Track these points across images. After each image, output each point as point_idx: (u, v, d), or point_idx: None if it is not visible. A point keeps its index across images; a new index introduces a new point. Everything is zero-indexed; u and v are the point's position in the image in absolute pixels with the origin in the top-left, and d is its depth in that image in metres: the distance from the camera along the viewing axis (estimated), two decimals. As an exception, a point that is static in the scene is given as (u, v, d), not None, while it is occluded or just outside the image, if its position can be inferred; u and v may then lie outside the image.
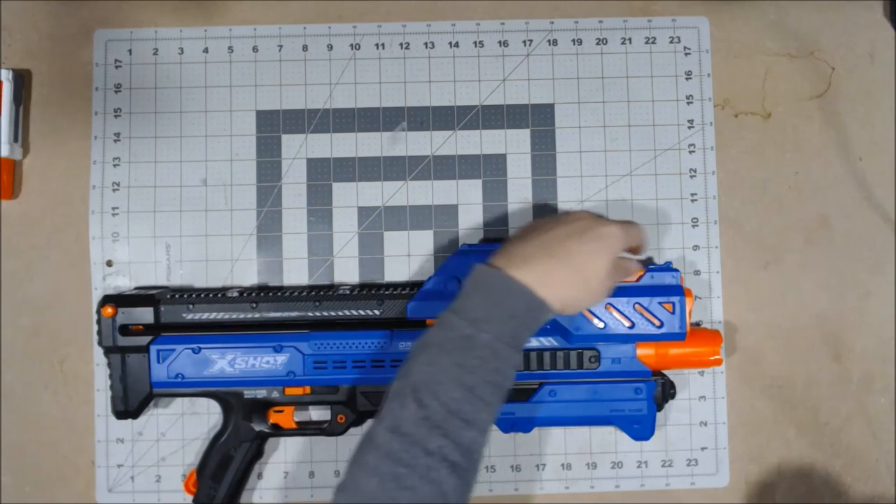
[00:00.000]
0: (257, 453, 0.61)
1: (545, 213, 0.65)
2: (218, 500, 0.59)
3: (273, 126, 0.65)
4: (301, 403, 0.60)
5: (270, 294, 0.60)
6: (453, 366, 0.48)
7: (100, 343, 0.59)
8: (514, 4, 0.66)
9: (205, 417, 0.64)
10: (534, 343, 0.59)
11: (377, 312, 0.59)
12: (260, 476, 0.64)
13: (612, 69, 0.65)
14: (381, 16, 0.65)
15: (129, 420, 0.63)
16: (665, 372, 0.61)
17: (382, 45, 0.65)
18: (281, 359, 0.59)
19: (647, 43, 0.66)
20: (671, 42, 0.66)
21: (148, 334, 0.59)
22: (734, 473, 0.64)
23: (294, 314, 0.59)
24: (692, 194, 0.65)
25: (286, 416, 0.61)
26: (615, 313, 0.58)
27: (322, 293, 0.60)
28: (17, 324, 0.64)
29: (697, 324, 0.64)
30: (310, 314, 0.59)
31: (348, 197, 0.65)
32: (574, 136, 0.65)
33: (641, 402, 0.59)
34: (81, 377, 0.64)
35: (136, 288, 0.64)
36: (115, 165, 0.64)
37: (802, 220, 0.65)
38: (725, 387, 0.64)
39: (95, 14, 0.65)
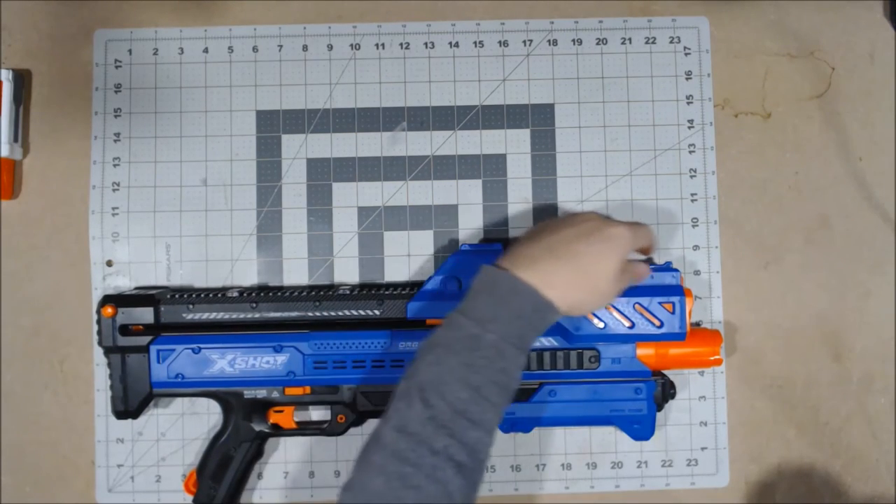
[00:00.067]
0: (257, 453, 0.61)
1: (546, 213, 0.65)
2: (218, 500, 0.59)
3: (273, 126, 0.65)
4: (301, 403, 0.61)
5: (270, 294, 0.60)
6: (460, 366, 0.48)
7: (100, 343, 0.59)
8: (514, 4, 0.66)
9: (205, 417, 0.64)
10: (534, 343, 0.59)
11: (377, 312, 0.59)
12: (260, 476, 0.64)
13: (612, 69, 0.65)
14: (381, 16, 0.65)
15: (129, 420, 0.63)
16: (665, 372, 0.61)
17: (382, 45, 0.65)
18: (281, 359, 0.59)
19: (647, 43, 0.66)
20: (671, 42, 0.66)
21: (148, 334, 0.59)
22: (734, 473, 0.64)
23: (294, 314, 0.59)
24: (692, 194, 0.65)
25: (286, 416, 0.61)
26: (615, 313, 0.58)
27: (322, 293, 0.60)
28: (17, 324, 0.64)
29: (697, 324, 0.64)
30: (310, 314, 0.59)
31: (348, 197, 0.65)
32: (574, 136, 0.65)
33: (641, 402, 0.59)
34: (81, 377, 0.64)
35: (136, 288, 0.64)
36: (115, 165, 0.64)
37: (802, 220, 0.65)
38: (725, 387, 0.64)
39: (95, 14, 0.65)
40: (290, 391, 0.59)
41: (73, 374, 0.64)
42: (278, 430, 0.61)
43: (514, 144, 0.65)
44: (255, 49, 0.65)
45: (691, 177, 0.65)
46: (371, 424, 0.63)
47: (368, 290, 0.60)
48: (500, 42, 0.65)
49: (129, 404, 0.59)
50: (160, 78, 0.65)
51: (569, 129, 0.65)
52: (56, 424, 0.64)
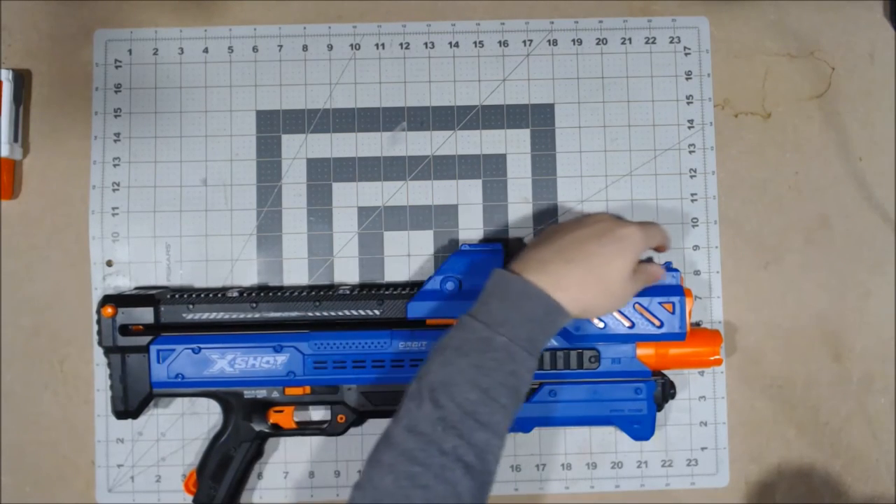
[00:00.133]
0: (257, 453, 0.61)
1: (546, 213, 0.65)
2: (218, 500, 0.59)
3: (273, 126, 0.65)
4: (301, 403, 0.61)
5: (270, 294, 0.60)
6: (469, 367, 0.48)
7: (100, 343, 0.59)
8: (514, 4, 0.66)
9: (205, 417, 0.64)
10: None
11: (377, 312, 0.59)
12: (260, 476, 0.64)
13: (612, 69, 0.65)
14: (381, 16, 0.65)
15: (129, 420, 0.63)
16: (665, 372, 0.61)
17: (382, 45, 0.65)
18: (281, 359, 0.59)
19: (647, 43, 0.66)
20: (671, 42, 0.66)
21: (148, 334, 0.59)
22: (734, 473, 0.64)
23: (294, 314, 0.59)
24: (692, 194, 0.65)
25: (286, 416, 0.61)
26: (615, 313, 0.58)
27: (322, 293, 0.60)
28: (17, 324, 0.64)
29: (697, 324, 0.64)
30: (310, 314, 0.59)
31: (348, 197, 0.65)
32: (574, 136, 0.65)
33: (641, 402, 0.59)
34: (81, 377, 0.64)
35: (136, 288, 0.64)
36: (115, 165, 0.64)
37: (802, 220, 0.65)
38: (725, 387, 0.64)
39: (95, 14, 0.65)
40: (290, 391, 0.59)
41: (73, 374, 0.64)
42: (278, 430, 0.61)
43: (514, 144, 0.65)
44: (255, 49, 0.65)
45: (691, 177, 0.65)
46: (371, 424, 0.63)
47: (368, 290, 0.60)
48: (500, 42, 0.65)
49: (129, 404, 0.59)
50: (160, 78, 0.65)
51: (569, 129, 0.65)
52: (56, 424, 0.64)
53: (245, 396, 0.59)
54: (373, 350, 0.58)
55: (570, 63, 0.65)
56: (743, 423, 0.64)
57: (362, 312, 0.59)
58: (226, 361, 0.59)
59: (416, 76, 0.65)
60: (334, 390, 0.60)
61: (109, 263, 0.64)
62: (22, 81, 0.64)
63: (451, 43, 0.65)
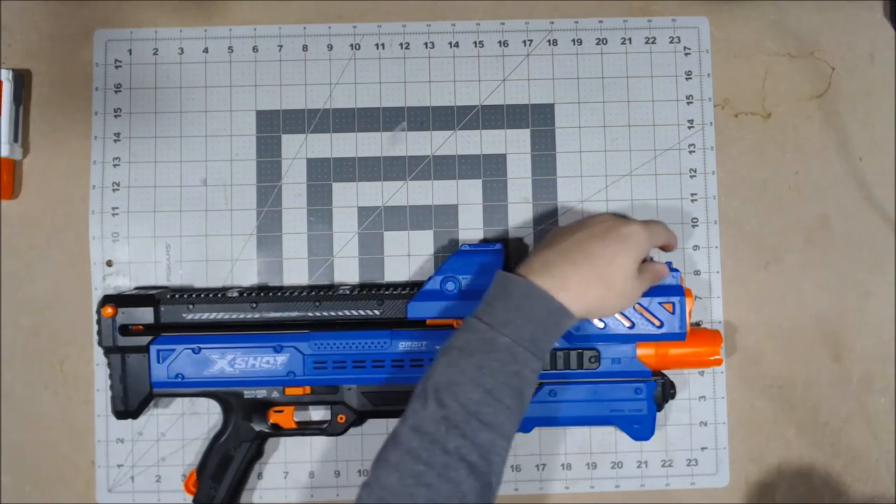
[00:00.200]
0: (257, 453, 0.61)
1: (546, 213, 0.65)
2: (218, 500, 0.59)
3: (273, 126, 0.65)
4: (301, 403, 0.61)
5: (270, 294, 0.60)
6: (473, 368, 0.49)
7: (100, 343, 0.59)
8: (514, 4, 0.66)
9: (205, 417, 0.64)
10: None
11: (377, 312, 0.59)
12: (260, 476, 0.64)
13: (612, 69, 0.65)
14: (381, 16, 0.65)
15: (129, 420, 0.63)
16: (665, 372, 0.61)
17: (382, 45, 0.65)
18: (281, 359, 0.59)
19: (647, 43, 0.66)
20: (671, 42, 0.66)
21: (148, 334, 0.59)
22: (734, 473, 0.64)
23: (294, 314, 0.59)
24: (692, 194, 0.65)
25: (286, 416, 0.61)
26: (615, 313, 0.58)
27: (322, 293, 0.60)
28: (17, 324, 0.64)
29: (697, 324, 0.64)
30: (310, 314, 0.59)
31: (348, 197, 0.65)
32: (574, 136, 0.65)
33: (641, 402, 0.59)
34: (81, 377, 0.64)
35: (136, 288, 0.64)
36: (115, 165, 0.64)
37: (802, 220, 0.65)
38: (725, 387, 0.64)
39: (95, 14, 0.65)
40: (290, 391, 0.59)
41: (73, 374, 0.64)
42: (278, 430, 0.61)
43: (514, 144, 0.65)
44: (255, 49, 0.65)
45: (691, 177, 0.65)
46: (371, 424, 0.63)
47: (368, 290, 0.60)
48: (500, 42, 0.65)
49: (129, 404, 0.59)
50: (160, 78, 0.65)
51: (569, 129, 0.65)
52: (56, 424, 0.64)
53: (245, 396, 0.59)
54: (373, 350, 0.58)
55: (570, 63, 0.65)
56: (743, 423, 0.64)
57: (362, 312, 0.59)
58: (226, 361, 0.59)
59: (416, 76, 0.65)
60: (334, 390, 0.60)
61: (109, 263, 0.64)
62: (22, 81, 0.64)
63: (451, 43, 0.65)
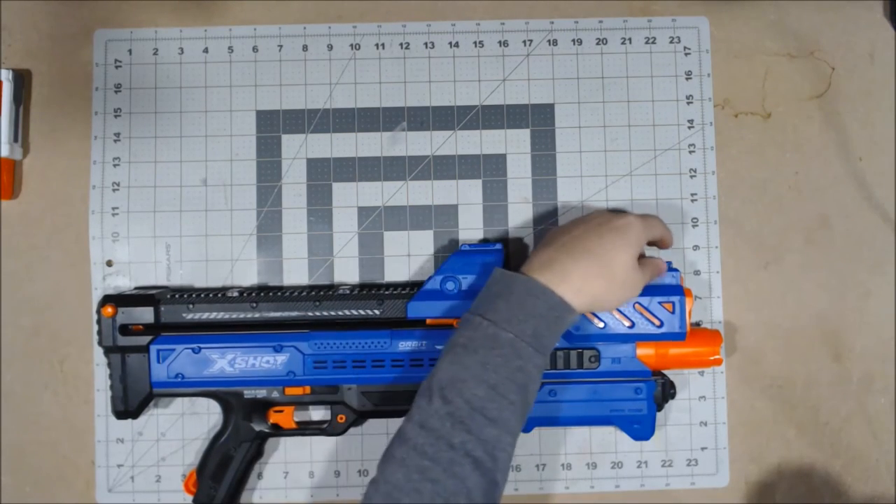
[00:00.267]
0: (257, 453, 0.61)
1: (546, 213, 0.65)
2: (218, 500, 0.59)
3: (273, 126, 0.65)
4: (301, 403, 0.60)
5: (270, 294, 0.60)
6: (477, 364, 0.49)
7: (100, 343, 0.59)
8: (514, 4, 0.66)
9: (205, 417, 0.63)
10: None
11: (377, 312, 0.59)
12: (260, 476, 0.64)
13: (612, 69, 0.65)
14: (381, 16, 0.65)
15: (129, 420, 0.63)
16: (665, 372, 0.61)
17: (382, 45, 0.65)
18: (281, 359, 0.59)
19: (647, 43, 0.66)
20: (671, 42, 0.66)
21: (148, 334, 0.59)
22: (734, 473, 0.64)
23: (294, 314, 0.59)
24: (692, 194, 0.65)
25: (286, 416, 0.61)
26: (615, 313, 0.58)
27: (322, 293, 0.60)
28: (17, 324, 0.64)
29: (697, 324, 0.64)
30: (310, 314, 0.59)
31: (348, 197, 0.65)
32: (574, 136, 0.65)
33: (641, 402, 0.59)
34: (81, 377, 0.64)
35: (136, 288, 0.64)
36: (115, 165, 0.64)
37: (802, 220, 0.65)
38: (725, 387, 0.64)
39: (95, 14, 0.65)
40: (290, 391, 0.59)
41: (73, 374, 0.64)
42: (278, 430, 0.61)
43: (514, 144, 0.65)
44: (255, 49, 0.65)
45: (691, 177, 0.65)
46: (371, 424, 0.63)
47: (368, 290, 0.60)
48: (500, 42, 0.65)
49: (129, 404, 0.59)
50: (160, 78, 0.65)
51: (569, 129, 0.65)
52: (56, 424, 0.64)
53: (245, 396, 0.59)
54: (373, 350, 0.58)
55: (570, 63, 0.65)
56: (743, 423, 0.64)
57: (362, 312, 0.59)
58: (226, 361, 0.59)
59: (416, 76, 0.65)
60: (334, 390, 0.60)
61: (109, 263, 0.64)
62: (22, 81, 0.64)
63: (451, 43, 0.65)
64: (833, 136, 0.66)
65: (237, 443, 0.60)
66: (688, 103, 0.65)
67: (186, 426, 0.63)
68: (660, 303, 0.58)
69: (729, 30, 0.66)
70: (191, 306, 0.59)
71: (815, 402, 0.65)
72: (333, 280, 0.64)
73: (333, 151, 0.65)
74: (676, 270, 0.60)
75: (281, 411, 0.61)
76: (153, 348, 0.59)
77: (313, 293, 0.60)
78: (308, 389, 0.59)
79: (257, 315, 0.59)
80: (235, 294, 0.60)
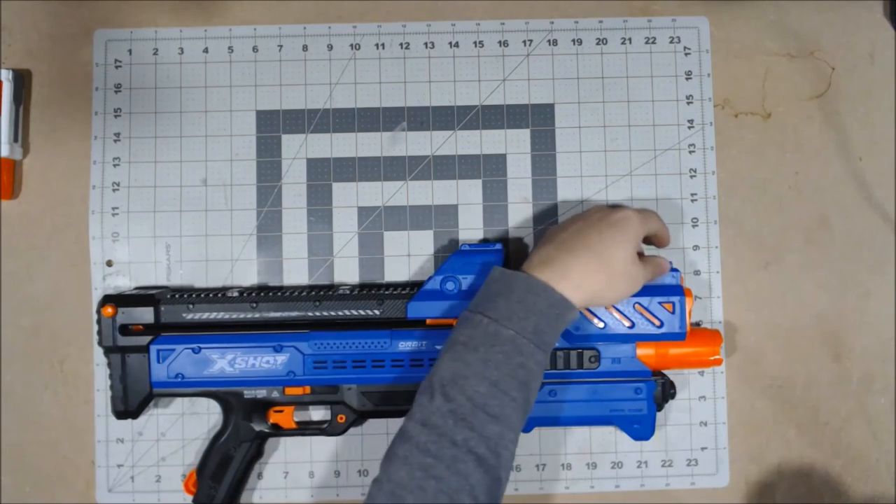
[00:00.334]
0: (257, 453, 0.61)
1: (546, 213, 0.65)
2: (218, 500, 0.59)
3: (273, 126, 0.65)
4: (301, 403, 0.60)
5: (270, 294, 0.60)
6: (478, 361, 0.49)
7: (100, 343, 0.59)
8: (514, 4, 0.66)
9: (205, 417, 0.63)
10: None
11: (377, 312, 0.59)
12: (260, 476, 0.64)
13: (612, 69, 0.65)
14: (381, 16, 0.65)
15: (129, 420, 0.63)
16: (665, 372, 0.61)
17: (382, 45, 0.65)
18: (281, 359, 0.59)
19: (647, 43, 0.66)
20: (671, 42, 0.66)
21: (148, 334, 0.59)
22: (734, 473, 0.64)
23: (294, 314, 0.59)
24: (692, 194, 0.65)
25: (286, 416, 0.61)
26: (615, 313, 0.58)
27: (322, 293, 0.60)
28: (17, 324, 0.64)
29: (697, 324, 0.64)
30: (310, 314, 0.59)
31: (348, 197, 0.65)
32: (574, 136, 0.65)
33: (641, 402, 0.59)
34: (81, 377, 0.64)
35: (136, 288, 0.64)
36: (115, 165, 0.64)
37: (802, 220, 0.65)
38: (725, 387, 0.64)
39: (95, 14, 0.65)
40: (290, 391, 0.59)
41: (73, 374, 0.64)
42: (278, 430, 0.61)
43: (514, 144, 0.65)
44: (255, 49, 0.65)
45: (691, 177, 0.65)
46: (371, 424, 0.63)
47: (368, 290, 0.60)
48: (500, 42, 0.65)
49: (129, 404, 0.59)
50: (160, 78, 0.65)
51: (569, 129, 0.65)
52: (56, 424, 0.64)
53: (245, 396, 0.59)
54: (373, 350, 0.58)
55: (570, 63, 0.65)
56: (743, 423, 0.64)
57: (362, 312, 0.59)
58: (226, 361, 0.59)
59: (416, 76, 0.65)
60: (334, 390, 0.60)
61: (109, 263, 0.64)
62: (22, 81, 0.64)
63: (451, 43, 0.65)
64: (833, 136, 0.66)
65: (237, 443, 0.60)
66: (688, 103, 0.65)
67: (186, 426, 0.63)
68: (660, 303, 0.58)
69: (729, 30, 0.66)
70: (191, 306, 0.59)
71: (815, 402, 0.65)
72: (333, 280, 0.64)
73: (333, 151, 0.65)
74: (676, 270, 0.60)
75: (281, 411, 0.61)
76: (153, 348, 0.59)
77: (313, 293, 0.60)
78: (308, 389, 0.59)
79: (257, 315, 0.59)
80: (235, 294, 0.60)
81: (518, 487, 0.64)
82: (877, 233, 0.65)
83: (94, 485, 0.63)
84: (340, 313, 0.59)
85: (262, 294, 0.60)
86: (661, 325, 0.58)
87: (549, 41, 0.66)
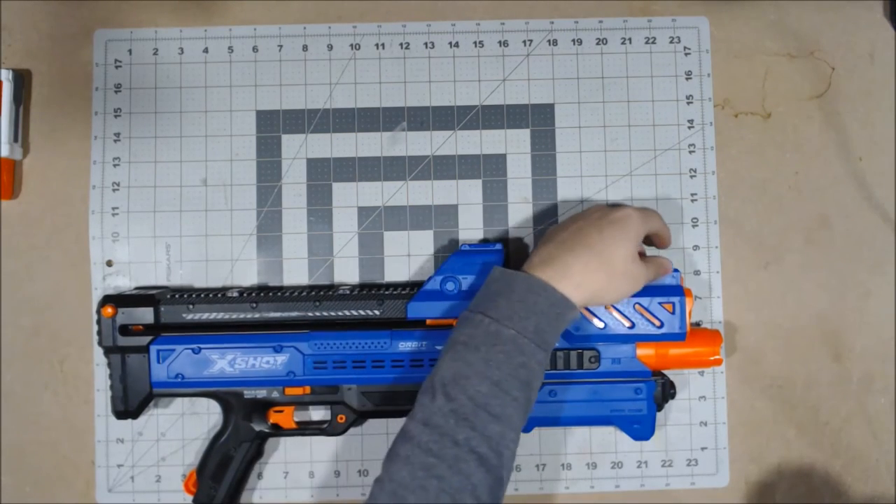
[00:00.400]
0: (257, 453, 0.61)
1: (546, 213, 0.65)
2: (218, 500, 0.59)
3: (273, 126, 0.65)
4: (301, 403, 0.60)
5: (270, 294, 0.60)
6: (479, 361, 0.49)
7: (100, 343, 0.59)
8: (514, 4, 0.66)
9: (205, 417, 0.64)
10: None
11: (377, 312, 0.59)
12: (260, 476, 0.64)
13: (612, 69, 0.65)
14: (381, 16, 0.65)
15: (129, 420, 0.63)
16: (665, 372, 0.61)
17: (382, 45, 0.65)
18: (281, 359, 0.59)
19: (647, 43, 0.66)
20: (671, 42, 0.66)
21: (148, 334, 0.59)
22: (734, 473, 0.64)
23: (294, 314, 0.59)
24: (692, 194, 0.65)
25: (286, 416, 0.61)
26: (615, 313, 0.58)
27: (322, 293, 0.60)
28: (17, 324, 0.64)
29: (697, 324, 0.64)
30: (310, 314, 0.59)
31: (348, 197, 0.65)
32: (574, 136, 0.65)
33: (641, 402, 0.59)
34: (81, 377, 0.64)
35: (136, 288, 0.64)
36: (115, 165, 0.64)
37: (802, 220, 0.65)
38: (725, 387, 0.64)
39: (95, 14, 0.65)
40: (290, 391, 0.59)
41: (73, 374, 0.64)
42: (278, 430, 0.61)
43: (514, 144, 0.65)
44: (255, 49, 0.65)
45: (691, 177, 0.65)
46: (371, 424, 0.63)
47: (368, 290, 0.60)
48: (500, 42, 0.65)
49: (129, 404, 0.59)
50: (160, 78, 0.65)
51: (569, 129, 0.65)
52: (56, 424, 0.64)
53: (245, 396, 0.59)
54: (373, 350, 0.58)
55: (570, 63, 0.65)
56: (743, 423, 0.64)
57: (362, 312, 0.59)
58: (226, 361, 0.59)
59: (416, 76, 0.65)
60: (334, 390, 0.60)
61: (109, 263, 0.64)
62: (22, 81, 0.64)
63: (451, 43, 0.65)
64: (833, 136, 0.66)
65: (237, 443, 0.60)
66: (688, 103, 0.65)
67: (186, 426, 0.63)
68: (660, 303, 0.58)
69: (729, 30, 0.66)
70: (191, 306, 0.59)
71: (815, 402, 0.65)
72: (333, 280, 0.64)
73: (333, 151, 0.65)
74: (677, 271, 0.60)
75: (281, 411, 0.61)
76: (153, 348, 0.59)
77: (313, 293, 0.60)
78: (308, 389, 0.59)
79: (257, 315, 0.59)
80: (235, 294, 0.60)
81: (518, 487, 0.64)
82: (877, 233, 0.65)
83: (94, 485, 0.63)
84: (340, 313, 0.59)
85: (262, 294, 0.60)
86: (662, 326, 0.58)
87: (549, 41, 0.66)
